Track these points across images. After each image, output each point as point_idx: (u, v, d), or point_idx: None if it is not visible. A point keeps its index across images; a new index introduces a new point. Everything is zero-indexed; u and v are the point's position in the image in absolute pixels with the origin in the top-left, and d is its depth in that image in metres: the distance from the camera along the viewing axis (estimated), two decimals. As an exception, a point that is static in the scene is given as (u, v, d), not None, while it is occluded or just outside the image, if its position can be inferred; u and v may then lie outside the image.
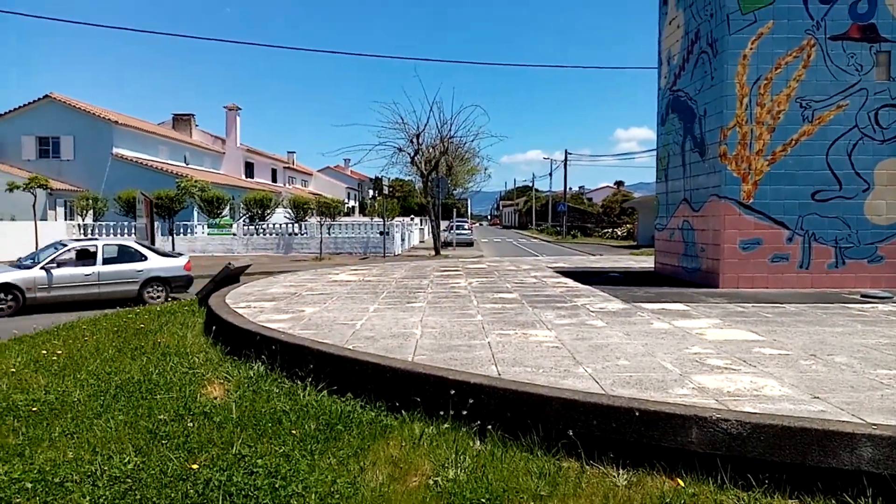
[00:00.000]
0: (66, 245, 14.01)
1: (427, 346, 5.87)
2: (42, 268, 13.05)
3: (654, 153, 14.10)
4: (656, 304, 8.66)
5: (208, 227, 30.90)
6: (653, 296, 9.55)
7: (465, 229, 42.67)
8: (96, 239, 14.63)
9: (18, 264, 13.82)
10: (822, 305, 8.49)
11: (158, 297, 14.10)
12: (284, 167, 61.67)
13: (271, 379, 5.78)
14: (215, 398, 5.42)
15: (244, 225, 31.80)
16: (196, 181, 30.02)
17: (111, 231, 29.28)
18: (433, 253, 29.80)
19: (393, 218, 34.23)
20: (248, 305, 8.66)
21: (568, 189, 68.48)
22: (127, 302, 13.11)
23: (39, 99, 35.17)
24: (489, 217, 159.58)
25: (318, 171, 73.88)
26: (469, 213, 76.18)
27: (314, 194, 49.06)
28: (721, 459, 3.69)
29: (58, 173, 33.60)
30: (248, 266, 14.13)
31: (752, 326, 6.87)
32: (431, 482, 3.80)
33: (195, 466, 3.94)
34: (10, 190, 25.10)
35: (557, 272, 14.00)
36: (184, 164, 42.40)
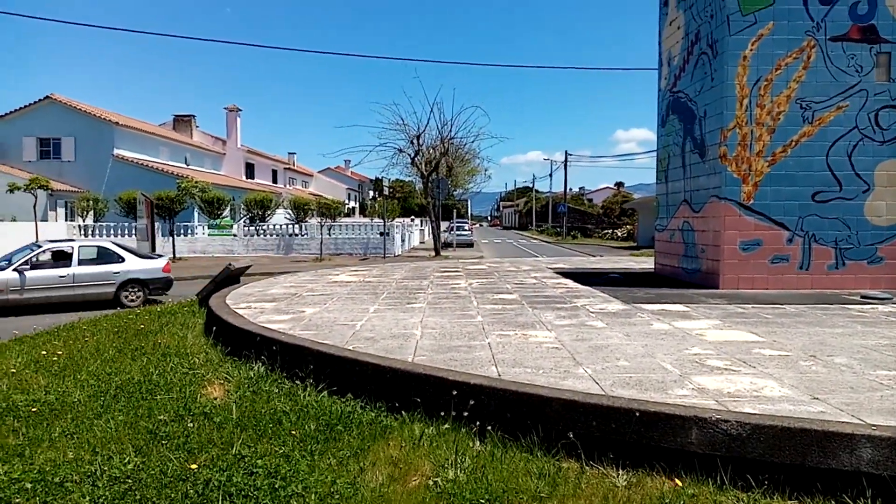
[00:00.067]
0: (41, 246, 13.73)
1: (427, 346, 5.87)
2: (15, 269, 12.77)
3: (655, 154, 14.11)
4: (656, 304, 8.66)
5: (209, 228, 30.91)
6: (653, 297, 9.55)
7: (466, 230, 42.67)
8: (72, 240, 14.34)
9: None
10: (821, 306, 8.49)
11: (136, 299, 13.75)
12: (285, 168, 61.69)
13: (271, 379, 5.79)
14: (215, 399, 5.42)
15: (245, 226, 31.81)
16: (196, 182, 30.04)
17: (111, 232, 29.29)
18: (433, 254, 29.80)
19: (393, 219, 34.27)
20: (248, 306, 8.67)
21: (568, 190, 68.50)
22: (103, 304, 13.01)
23: (40, 100, 35.21)
24: (489, 218, 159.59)
25: (319, 172, 73.92)
26: (469, 214, 76.24)
27: (314, 195, 49.09)
28: (721, 460, 3.69)
29: (58, 174, 33.63)
30: (249, 267, 14.12)
31: (752, 327, 6.87)
32: (431, 483, 3.81)
33: (195, 467, 3.94)
34: (11, 191, 25.14)
35: (557, 273, 14.01)
36: (184, 165, 42.43)
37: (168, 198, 27.69)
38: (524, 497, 3.60)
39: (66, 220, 32.12)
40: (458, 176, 36.87)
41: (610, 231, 58.85)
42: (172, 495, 3.63)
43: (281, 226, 32.02)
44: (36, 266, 13.11)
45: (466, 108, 48.87)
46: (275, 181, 57.23)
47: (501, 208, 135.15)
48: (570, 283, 11.85)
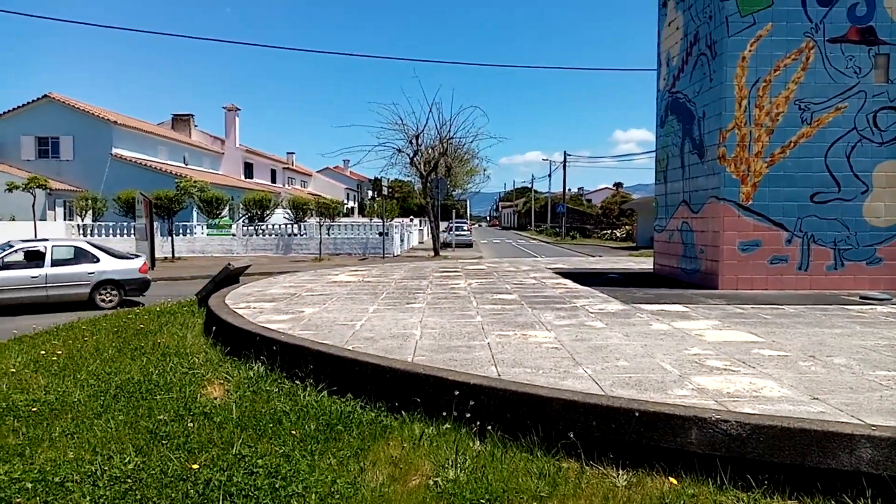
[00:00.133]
0: (12, 246, 13.46)
1: (427, 346, 5.88)
2: None
3: (653, 155, 14.12)
4: (655, 305, 8.67)
5: (207, 228, 30.89)
6: (652, 297, 9.57)
7: (465, 230, 42.69)
8: (46, 240, 14.00)
9: None
10: (820, 307, 8.51)
11: (111, 300, 13.52)
12: (284, 168, 61.68)
13: (271, 379, 5.79)
14: (215, 398, 5.43)
15: (243, 225, 31.80)
16: (195, 181, 30.03)
17: (110, 231, 29.27)
18: (432, 254, 29.81)
19: (392, 219, 34.25)
20: (247, 306, 8.67)
21: (567, 190, 68.51)
22: (78, 306, 12.86)
23: (38, 99, 35.17)
24: (488, 218, 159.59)
25: (318, 171, 73.90)
26: (468, 215, 76.25)
27: (313, 195, 49.07)
28: (720, 460, 3.70)
29: (57, 173, 33.60)
30: (248, 267, 14.11)
31: (751, 328, 6.89)
32: (431, 482, 3.81)
33: (195, 466, 3.95)
34: (10, 190, 25.11)
35: (556, 273, 14.02)
36: (183, 165, 42.41)
37: (167, 197, 27.69)
38: (524, 497, 3.61)
39: (64, 219, 32.08)
40: (457, 176, 36.90)
41: (609, 231, 58.88)
42: (173, 495, 3.63)
43: (280, 226, 32.02)
44: (6, 266, 12.82)
45: (465, 108, 48.82)
46: (273, 181, 57.22)
47: (500, 208, 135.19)
48: (569, 283, 11.86)
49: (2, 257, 12.87)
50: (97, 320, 9.69)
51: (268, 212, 32.60)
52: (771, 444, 3.64)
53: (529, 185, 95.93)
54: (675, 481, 3.72)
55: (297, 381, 5.62)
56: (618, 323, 7.21)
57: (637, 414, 3.93)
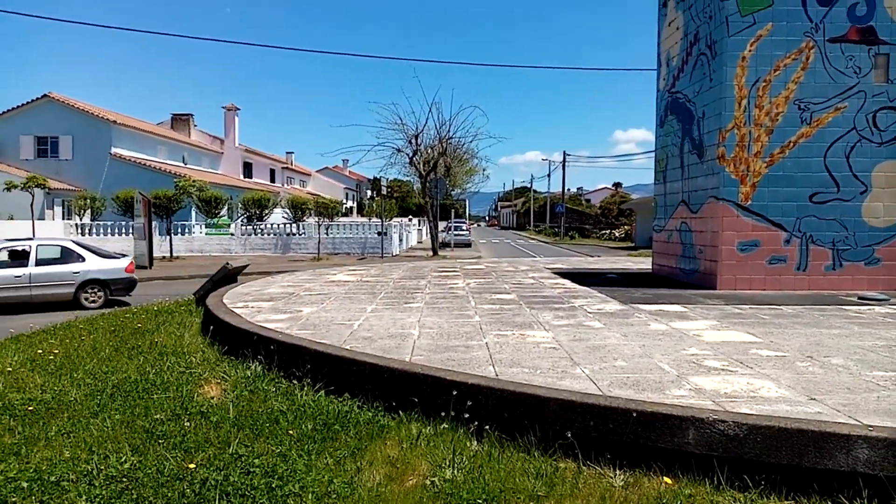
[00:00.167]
0: None
1: (425, 346, 5.87)
2: None
3: (653, 155, 14.13)
4: (654, 305, 8.67)
5: (206, 227, 30.88)
6: (650, 297, 9.56)
7: (464, 230, 42.70)
8: (30, 239, 13.86)
9: None
10: (819, 307, 8.51)
11: (96, 300, 13.39)
12: (283, 167, 61.67)
13: (268, 379, 5.78)
14: (212, 398, 5.42)
15: (242, 225, 31.79)
16: (194, 181, 30.02)
17: (109, 231, 29.26)
18: (431, 253, 29.81)
19: (391, 218, 34.24)
20: (245, 305, 8.66)
21: (566, 190, 68.52)
22: (62, 305, 12.76)
23: (38, 98, 35.15)
24: (487, 218, 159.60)
25: (317, 171, 73.89)
26: (467, 214, 76.33)
27: (312, 194, 49.06)
28: (718, 460, 3.69)
29: (56, 173, 33.58)
30: (246, 266, 14.12)
31: (749, 328, 6.88)
32: (428, 482, 3.80)
33: (192, 466, 3.94)
34: (9, 189, 25.09)
35: (555, 273, 14.01)
36: (182, 164, 42.39)
37: (166, 197, 27.67)
38: (521, 497, 3.60)
39: (63, 218, 32.07)
40: (457, 176, 36.92)
41: (608, 231, 58.90)
42: (169, 494, 3.62)
43: (278, 225, 32.00)
44: None
45: (465, 108, 48.98)
46: (272, 180, 57.20)
47: (499, 208, 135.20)
48: (567, 283, 11.85)
49: None
50: (94, 319, 9.68)
51: (266, 211, 32.59)
52: (768, 445, 3.63)
53: (528, 185, 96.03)
54: (672, 481, 3.71)
55: (295, 381, 5.61)
56: (616, 323, 7.20)
57: (634, 414, 3.92)
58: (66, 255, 13.51)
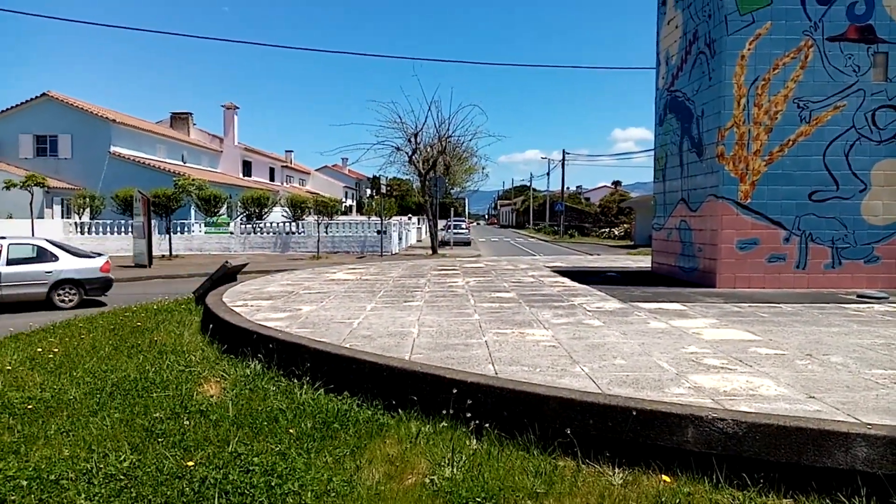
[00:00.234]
0: None
1: (424, 344, 5.87)
2: None
3: (652, 153, 14.13)
4: (653, 303, 8.67)
5: (205, 226, 30.85)
6: (649, 295, 9.56)
7: (463, 228, 42.68)
8: (3, 238, 13.42)
9: None
10: (818, 305, 8.51)
11: (71, 300, 13.05)
12: (282, 166, 61.61)
13: (268, 377, 5.78)
14: (212, 396, 5.42)
15: (241, 224, 31.77)
16: (193, 180, 29.98)
17: (108, 229, 29.23)
18: (430, 252, 29.80)
19: (390, 217, 34.23)
20: (244, 304, 8.66)
21: (565, 189, 68.49)
22: (35, 306, 12.58)
23: (37, 97, 35.07)
24: (486, 216, 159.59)
25: (316, 170, 73.83)
26: (466, 213, 76.29)
27: (312, 193, 49.02)
28: (716, 458, 3.70)
29: (55, 171, 33.53)
30: (246, 265, 14.09)
31: (749, 326, 6.88)
32: (428, 480, 3.81)
33: (191, 464, 3.94)
34: (8, 188, 25.05)
35: (555, 271, 14.01)
36: (181, 163, 42.35)
37: (165, 195, 27.63)
38: (520, 495, 3.60)
39: (62, 217, 32.05)
40: (456, 174, 36.88)
41: (607, 230, 58.89)
42: (168, 493, 3.62)
43: (278, 224, 31.98)
44: None
45: (464, 107, 48.93)
46: (272, 179, 57.15)
47: (499, 207, 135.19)
48: (567, 281, 11.85)
49: None
50: (94, 318, 9.68)
51: (266, 210, 32.56)
52: (767, 443, 3.64)
53: (528, 184, 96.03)
54: (671, 480, 3.72)
55: (294, 379, 5.61)
56: (615, 321, 7.20)
57: (634, 412, 3.92)
58: (39, 255, 13.20)
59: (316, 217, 31.12)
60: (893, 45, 10.09)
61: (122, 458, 4.03)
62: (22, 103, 35.13)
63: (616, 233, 54.82)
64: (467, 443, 4.28)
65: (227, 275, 11.61)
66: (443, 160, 31.55)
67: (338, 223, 32.30)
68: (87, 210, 30.06)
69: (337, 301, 9.01)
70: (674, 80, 12.44)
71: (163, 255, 26.70)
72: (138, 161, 35.63)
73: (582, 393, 4.24)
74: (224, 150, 50.10)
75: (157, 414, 4.87)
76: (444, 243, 35.93)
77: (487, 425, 4.33)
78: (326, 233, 30.66)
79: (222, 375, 5.99)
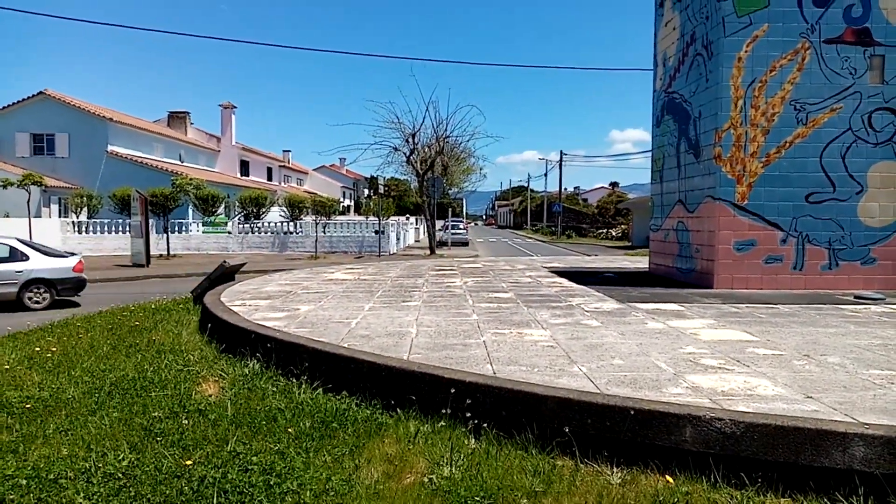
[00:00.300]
0: None
1: (422, 344, 5.88)
2: None
3: (649, 154, 14.16)
4: (651, 304, 8.69)
5: (203, 225, 30.82)
6: (647, 296, 9.59)
7: (461, 229, 42.68)
8: None
9: None
10: (815, 306, 8.54)
11: (42, 301, 12.87)
12: (280, 166, 61.57)
13: (266, 377, 5.78)
14: (210, 396, 5.42)
15: (239, 223, 31.74)
16: (191, 179, 29.95)
17: (105, 228, 29.19)
18: (428, 252, 29.81)
19: (388, 217, 34.25)
20: (243, 303, 8.66)
21: (563, 189, 68.58)
22: (4, 306, 12.46)
23: (34, 95, 34.97)
24: (484, 217, 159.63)
25: (314, 169, 73.76)
26: (464, 213, 76.32)
27: (309, 193, 49.00)
28: (714, 458, 3.71)
29: (52, 170, 33.45)
30: (244, 264, 14.08)
31: (746, 327, 6.91)
32: (426, 480, 3.82)
33: (190, 463, 3.94)
34: (4, 187, 24.97)
35: (552, 272, 14.03)
36: (179, 162, 42.28)
37: (162, 195, 27.60)
38: (519, 494, 3.61)
39: (59, 216, 31.97)
40: (454, 175, 36.86)
41: (605, 231, 58.97)
42: (167, 492, 3.62)
43: (276, 223, 31.97)
44: None
45: (462, 107, 48.91)
46: (270, 179, 57.10)
47: (496, 207, 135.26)
48: (564, 281, 11.87)
49: None
50: (92, 317, 9.67)
51: (263, 209, 32.54)
52: (765, 443, 3.65)
53: (526, 184, 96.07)
54: (669, 479, 3.73)
55: (293, 379, 5.61)
56: (613, 322, 7.22)
57: (632, 412, 3.93)
58: (10, 254, 12.97)
59: (314, 217, 31.11)
60: (890, 47, 10.13)
61: (120, 458, 4.03)
62: (19, 101, 35.02)
63: (613, 234, 54.90)
64: (466, 442, 4.29)
65: (225, 274, 11.60)
66: (440, 160, 31.56)
67: (335, 223, 32.30)
68: (85, 209, 30.01)
69: (335, 301, 9.01)
70: (671, 81, 12.47)
71: (160, 255, 26.67)
72: (135, 160, 35.56)
73: (580, 393, 4.25)
74: (221, 149, 50.05)
75: (156, 413, 4.87)
76: (442, 243, 35.94)
77: (486, 425, 4.34)
78: (324, 233, 30.65)
79: (221, 375, 5.99)
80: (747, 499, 3.54)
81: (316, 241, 29.37)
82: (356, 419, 4.74)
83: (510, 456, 4.07)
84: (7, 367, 6.46)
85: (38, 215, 29.65)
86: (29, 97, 34.97)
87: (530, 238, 60.34)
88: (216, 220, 30.98)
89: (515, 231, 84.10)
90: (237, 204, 33.36)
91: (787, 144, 10.25)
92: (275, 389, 5.45)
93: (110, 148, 35.18)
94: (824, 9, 10.13)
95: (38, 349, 7.27)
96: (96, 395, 5.43)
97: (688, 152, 11.60)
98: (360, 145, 58.34)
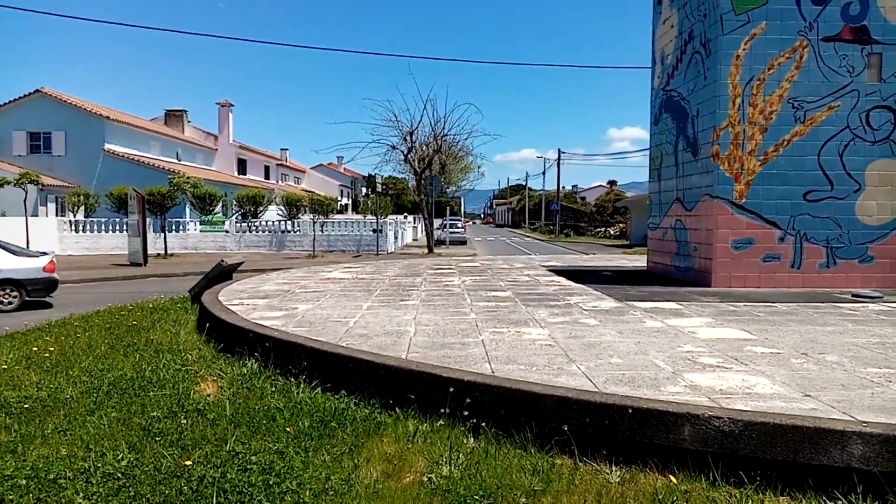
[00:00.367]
0: None
1: (421, 343, 5.88)
2: None
3: (647, 153, 14.16)
4: (649, 302, 8.70)
5: (201, 224, 30.77)
6: (645, 294, 9.59)
7: (459, 227, 42.66)
8: None
9: None
10: (813, 305, 8.56)
11: (11, 302, 12.51)
12: (277, 164, 61.49)
13: (265, 376, 5.78)
14: (209, 395, 5.41)
15: (237, 222, 31.70)
16: (188, 178, 29.90)
17: (102, 227, 29.13)
18: (426, 251, 29.81)
19: (386, 216, 34.22)
20: (241, 303, 8.65)
21: (561, 188, 68.62)
22: None
23: (30, 94, 34.86)
24: (482, 215, 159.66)
25: (312, 168, 73.68)
26: (462, 212, 76.29)
27: (307, 192, 48.93)
28: (713, 457, 3.72)
29: (49, 169, 33.37)
30: (241, 263, 14.06)
31: (744, 325, 6.92)
32: (425, 479, 3.82)
33: (189, 463, 3.94)
34: (1, 186, 24.91)
35: (550, 271, 14.04)
36: (176, 161, 42.20)
37: (159, 193, 27.55)
38: (518, 493, 3.62)
39: (56, 215, 31.90)
40: (452, 173, 36.86)
41: (603, 229, 59.00)
42: (166, 492, 3.62)
43: (273, 222, 31.93)
44: None
45: (460, 105, 48.89)
46: (267, 177, 57.03)
47: (494, 206, 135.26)
48: (563, 280, 11.88)
49: None
50: (89, 317, 9.65)
51: (261, 208, 32.50)
52: (763, 441, 3.66)
53: (524, 183, 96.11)
54: (668, 478, 3.73)
55: (291, 378, 5.61)
56: (611, 320, 7.23)
57: (630, 411, 3.94)
58: None
59: (311, 216, 31.08)
60: (887, 45, 10.14)
61: (119, 458, 4.03)
62: (15, 100, 34.93)
63: (612, 232, 54.92)
64: (465, 441, 4.29)
65: (223, 273, 11.59)
66: (438, 159, 31.55)
67: (333, 222, 32.27)
68: (82, 208, 29.95)
69: (333, 300, 9.01)
70: (669, 79, 12.47)
71: (158, 254, 26.64)
72: (133, 159, 35.50)
73: (578, 391, 4.26)
74: (219, 148, 49.96)
75: (155, 413, 4.86)
76: (440, 242, 35.92)
77: (484, 424, 4.35)
78: (322, 231, 30.63)
79: (219, 374, 5.98)
80: (746, 497, 3.54)
81: (314, 239, 29.35)
82: (355, 418, 4.74)
83: (509, 455, 4.07)
84: (5, 366, 6.45)
85: (35, 214, 29.59)
86: (25, 95, 34.86)
87: (528, 237, 60.35)
88: (214, 219, 30.94)
89: (513, 230, 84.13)
90: (235, 203, 33.31)
91: (785, 143, 10.26)
92: (273, 389, 5.45)
93: (107, 146, 35.11)
94: (822, 7, 10.14)
95: (35, 349, 7.26)
96: (94, 394, 5.43)
97: (686, 150, 11.61)
98: (358, 143, 58.34)
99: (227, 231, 30.76)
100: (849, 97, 10.17)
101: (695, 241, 11.20)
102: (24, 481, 3.71)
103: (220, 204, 32.41)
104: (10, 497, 3.56)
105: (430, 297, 9.37)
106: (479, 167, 39.48)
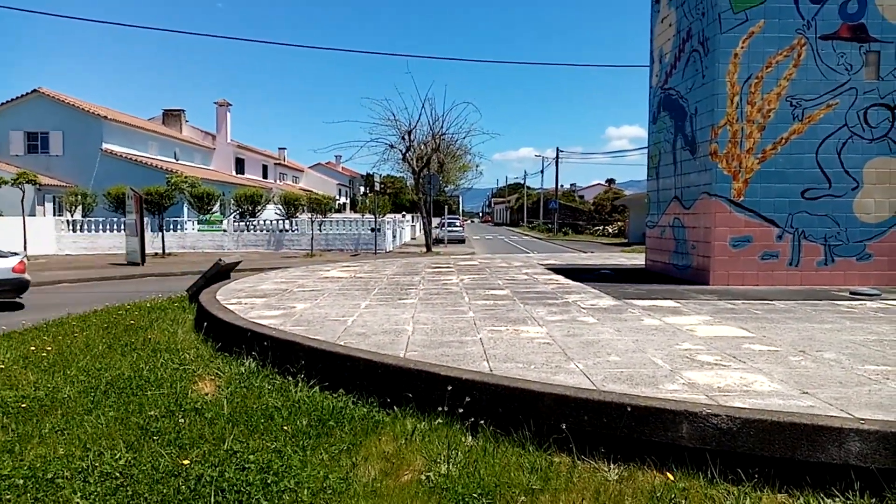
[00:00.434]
0: None
1: (419, 342, 5.88)
2: None
3: (646, 151, 14.16)
4: (647, 300, 8.70)
5: (198, 224, 30.74)
6: (643, 292, 9.60)
7: (457, 226, 42.65)
8: None
9: None
10: (811, 302, 8.57)
11: None
12: (275, 163, 61.44)
13: (263, 375, 5.77)
14: (206, 394, 5.41)
15: (235, 221, 31.67)
16: (186, 177, 29.85)
17: (100, 227, 29.09)
18: (425, 250, 29.81)
19: (384, 214, 34.19)
20: (238, 302, 8.64)
21: (559, 186, 68.64)
22: None
23: (28, 94, 34.81)
24: (481, 214, 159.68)
25: (310, 167, 73.63)
26: (461, 210, 76.31)
27: (305, 191, 48.90)
28: (711, 454, 3.72)
29: (46, 168, 33.33)
30: (239, 262, 14.05)
31: (742, 323, 6.92)
32: (423, 477, 3.82)
33: (187, 462, 3.93)
34: (-1, 185, 24.88)
35: (549, 269, 14.04)
36: (174, 160, 42.16)
37: (157, 193, 27.51)
38: (516, 491, 3.62)
39: (54, 214, 31.85)
40: (450, 172, 36.90)
41: (601, 227, 59.03)
42: (164, 491, 3.62)
43: (271, 221, 31.90)
44: None
45: (458, 104, 48.91)
46: (265, 176, 56.99)
47: (493, 204, 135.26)
48: (561, 279, 11.88)
49: None
50: (87, 316, 9.64)
51: (259, 207, 32.47)
52: (761, 438, 3.66)
53: (522, 182, 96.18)
54: (666, 475, 3.74)
55: (289, 377, 5.60)
56: (609, 318, 7.23)
57: (628, 408, 3.94)
58: None
59: (309, 215, 31.05)
60: (885, 43, 10.15)
61: (117, 457, 4.02)
62: (13, 99, 34.88)
63: (610, 230, 54.96)
64: (463, 439, 4.29)
65: (221, 272, 11.58)
66: (437, 158, 31.57)
67: (331, 221, 32.23)
68: (79, 208, 29.90)
69: (331, 299, 9.00)
70: (667, 77, 12.47)
71: (156, 253, 26.60)
72: (130, 158, 35.45)
73: (577, 389, 4.26)
74: (217, 147, 49.92)
75: (152, 412, 4.85)
76: (439, 241, 35.92)
77: (483, 422, 4.35)
78: (320, 230, 30.61)
79: (217, 373, 5.98)
80: (744, 494, 3.55)
81: (312, 238, 29.33)
82: (353, 417, 4.74)
83: (507, 453, 4.07)
84: (2, 366, 6.43)
85: (33, 214, 29.56)
86: (23, 95, 34.81)
87: (527, 235, 60.37)
88: (212, 219, 30.90)
89: (512, 228, 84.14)
90: (233, 202, 33.27)
91: (783, 141, 10.26)
92: (271, 388, 5.44)
93: (105, 146, 35.06)
94: (820, 5, 10.14)
95: (32, 348, 7.24)
96: (92, 394, 5.41)
97: (684, 149, 11.61)
98: (356, 143, 58.47)
99: (224, 230, 30.73)
100: (847, 95, 10.17)
101: (693, 239, 11.21)
102: (21, 481, 3.70)
103: (218, 203, 32.36)
104: (8, 497, 3.56)
105: (428, 295, 9.36)
106: (477, 166, 39.56)
